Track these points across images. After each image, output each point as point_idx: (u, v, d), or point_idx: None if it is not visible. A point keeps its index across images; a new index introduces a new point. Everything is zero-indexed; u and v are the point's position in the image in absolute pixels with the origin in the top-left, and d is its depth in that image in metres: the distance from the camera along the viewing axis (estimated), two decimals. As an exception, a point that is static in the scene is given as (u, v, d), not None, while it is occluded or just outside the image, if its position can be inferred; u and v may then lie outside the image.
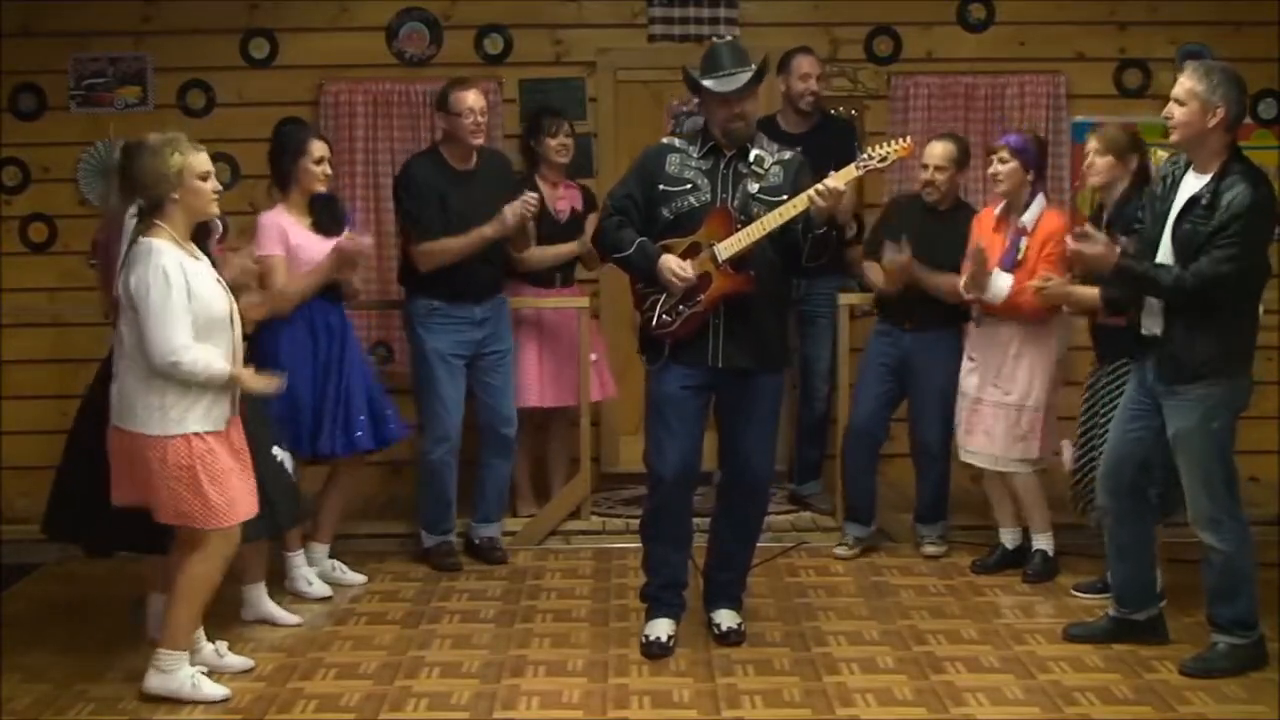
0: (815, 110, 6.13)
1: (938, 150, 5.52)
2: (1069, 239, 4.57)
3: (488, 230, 5.48)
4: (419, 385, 5.66)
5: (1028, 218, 5.29)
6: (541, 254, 5.93)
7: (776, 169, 4.62)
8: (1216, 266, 4.20)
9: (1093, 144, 5.04)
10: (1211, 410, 4.32)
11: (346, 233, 5.26)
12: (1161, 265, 4.32)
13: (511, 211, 5.48)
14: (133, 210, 4.19)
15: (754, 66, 4.54)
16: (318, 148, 5.21)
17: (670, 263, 4.52)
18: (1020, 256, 5.24)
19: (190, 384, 4.06)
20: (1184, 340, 4.30)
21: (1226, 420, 4.36)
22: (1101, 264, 4.45)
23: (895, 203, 5.95)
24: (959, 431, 5.53)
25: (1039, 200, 5.33)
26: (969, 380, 5.47)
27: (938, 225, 5.54)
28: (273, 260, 5.12)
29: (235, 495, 4.15)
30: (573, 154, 6.04)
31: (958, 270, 5.37)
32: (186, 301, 4.03)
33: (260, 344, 5.01)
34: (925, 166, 5.52)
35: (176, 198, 4.08)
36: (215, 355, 4.10)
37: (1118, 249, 4.42)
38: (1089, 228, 4.59)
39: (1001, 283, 5.24)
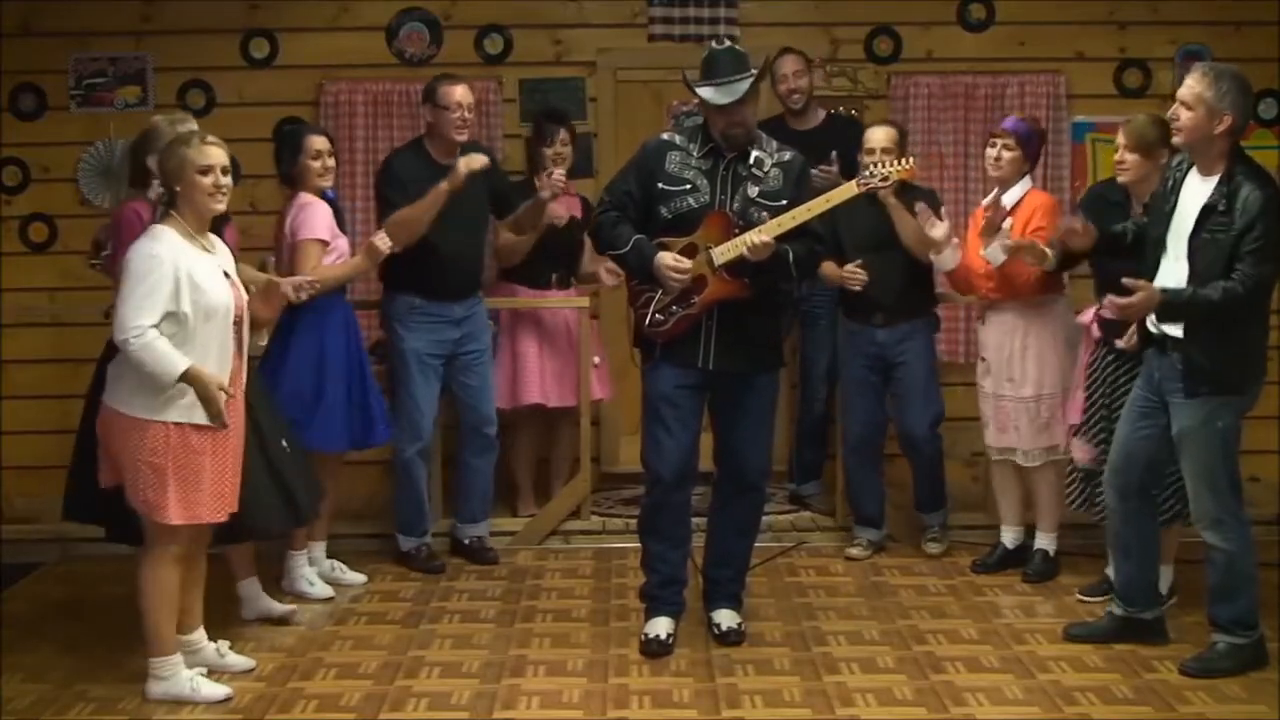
0: (810, 107, 6.16)
1: (880, 135, 5.47)
2: (1110, 304, 4.35)
3: (444, 185, 5.33)
4: (394, 384, 5.62)
5: (1009, 198, 5.27)
6: (518, 242, 5.87)
7: (776, 172, 4.60)
8: (1259, 269, 4.17)
9: (1120, 139, 4.91)
10: (1217, 410, 4.31)
11: (383, 233, 5.23)
12: (1206, 288, 4.20)
13: (464, 163, 5.35)
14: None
15: (754, 71, 4.51)
16: (315, 142, 5.21)
17: (667, 259, 4.50)
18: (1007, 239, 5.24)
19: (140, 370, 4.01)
20: (1207, 348, 4.26)
21: (1232, 420, 4.35)
22: (1146, 311, 4.33)
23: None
24: (987, 431, 5.49)
25: (1024, 181, 5.32)
26: (986, 380, 5.46)
27: (882, 208, 5.48)
28: (309, 245, 5.07)
29: (200, 498, 4.10)
30: (572, 160, 6.02)
31: (909, 251, 5.45)
32: (170, 291, 4.01)
33: (295, 335, 5.08)
34: (872, 151, 5.42)
35: (179, 190, 4.14)
36: (177, 355, 3.99)
37: (1158, 293, 4.24)
38: (1129, 280, 4.28)
39: (949, 255, 5.30)
